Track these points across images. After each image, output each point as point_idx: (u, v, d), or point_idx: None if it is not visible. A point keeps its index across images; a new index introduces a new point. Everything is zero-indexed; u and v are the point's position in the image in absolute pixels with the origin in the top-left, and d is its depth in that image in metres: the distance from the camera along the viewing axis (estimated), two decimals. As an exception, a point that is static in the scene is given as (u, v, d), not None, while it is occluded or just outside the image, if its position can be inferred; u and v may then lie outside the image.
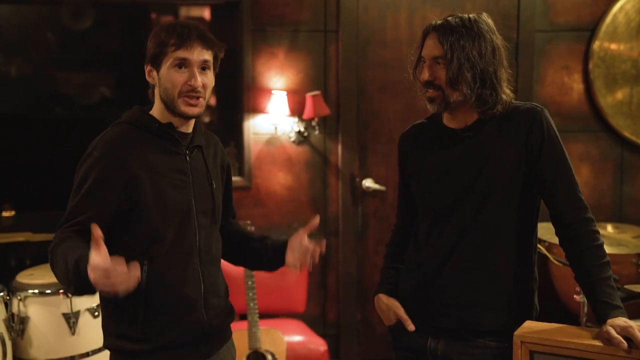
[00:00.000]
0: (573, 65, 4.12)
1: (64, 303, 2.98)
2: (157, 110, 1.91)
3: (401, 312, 2.03)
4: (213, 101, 4.33)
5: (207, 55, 1.86)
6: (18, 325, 2.98)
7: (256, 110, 3.97)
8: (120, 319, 1.83)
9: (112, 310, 1.88)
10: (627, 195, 4.19)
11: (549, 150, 1.88)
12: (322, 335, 3.88)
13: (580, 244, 1.84)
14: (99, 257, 1.55)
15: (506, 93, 1.93)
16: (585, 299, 1.98)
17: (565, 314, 3.39)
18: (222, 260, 2.10)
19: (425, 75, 1.92)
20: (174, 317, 1.85)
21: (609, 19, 4.02)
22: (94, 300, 3.00)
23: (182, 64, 1.83)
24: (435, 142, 2.02)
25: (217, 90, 4.32)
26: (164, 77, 1.85)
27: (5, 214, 3.87)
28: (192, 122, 1.95)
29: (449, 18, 1.91)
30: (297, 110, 3.97)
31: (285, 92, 3.92)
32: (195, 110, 1.86)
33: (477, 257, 1.92)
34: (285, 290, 3.86)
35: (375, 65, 4.03)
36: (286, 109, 3.91)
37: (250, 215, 3.97)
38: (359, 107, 4.04)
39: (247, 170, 4.00)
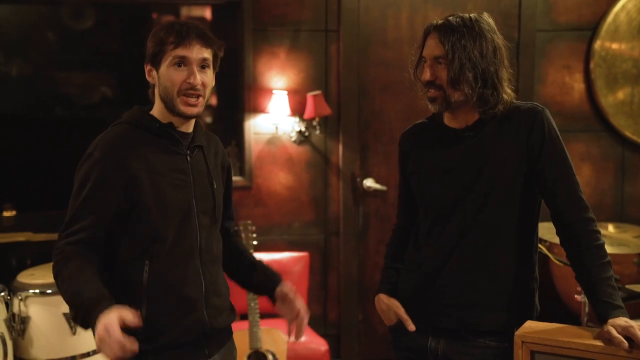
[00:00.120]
0: (574, 65, 4.11)
1: (64, 303, 2.97)
2: (157, 110, 1.91)
3: (401, 312, 2.03)
4: (214, 101, 4.33)
5: (207, 54, 1.86)
6: (19, 325, 2.98)
7: (257, 110, 3.97)
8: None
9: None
10: (628, 195, 4.19)
11: (549, 150, 1.88)
12: (323, 335, 3.88)
13: (581, 244, 1.84)
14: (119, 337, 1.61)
15: (507, 93, 1.93)
16: (586, 299, 1.97)
17: (567, 314, 3.39)
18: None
19: (427, 75, 1.91)
20: (175, 317, 1.85)
21: (610, 18, 4.01)
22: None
23: (181, 62, 1.83)
24: (436, 141, 2.01)
25: (218, 89, 4.36)
26: (163, 75, 1.85)
27: (6, 213, 3.87)
28: (193, 121, 1.95)
29: (450, 18, 1.91)
30: (298, 110, 3.97)
31: (286, 92, 3.92)
32: (194, 110, 1.86)
33: (477, 256, 1.92)
34: (286, 290, 3.85)
35: (376, 64, 4.03)
36: (287, 109, 3.91)
37: (251, 215, 3.97)
38: (360, 106, 4.04)
39: (247, 170, 4.00)
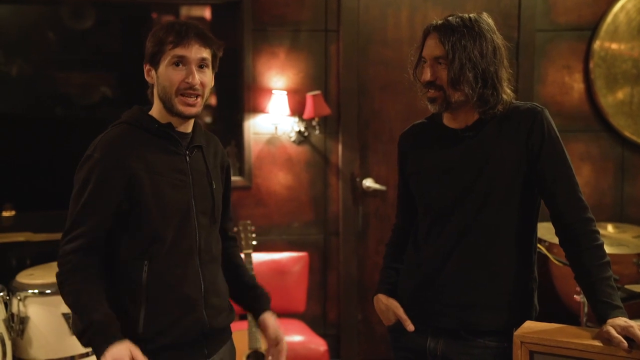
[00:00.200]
0: (574, 65, 4.11)
1: (63, 303, 2.97)
2: (156, 111, 1.91)
3: (400, 312, 2.02)
4: (214, 101, 4.33)
5: (205, 54, 1.85)
6: (18, 325, 2.97)
7: (257, 110, 3.97)
8: (121, 319, 1.82)
9: (113, 310, 1.88)
10: (627, 195, 4.19)
11: (549, 150, 1.88)
12: (323, 335, 3.88)
13: (581, 244, 1.84)
14: None
15: (507, 93, 1.93)
16: (586, 299, 1.97)
17: (566, 314, 3.39)
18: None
19: (427, 75, 1.91)
20: (175, 317, 1.85)
21: (609, 18, 4.01)
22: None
23: (180, 61, 1.83)
24: (435, 142, 2.01)
25: (217, 90, 4.36)
26: (162, 75, 1.85)
27: (6, 213, 3.87)
28: (192, 122, 1.95)
29: (450, 18, 1.91)
30: (297, 110, 3.97)
31: (285, 92, 3.92)
32: (192, 110, 1.86)
33: (477, 257, 1.92)
34: (286, 290, 3.86)
35: (376, 64, 4.03)
36: (286, 109, 3.91)
37: (250, 215, 3.97)
38: (359, 106, 4.04)
39: (247, 170, 4.00)
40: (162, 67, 1.84)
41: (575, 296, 2.89)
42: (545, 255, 2.86)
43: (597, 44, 4.04)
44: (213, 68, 1.91)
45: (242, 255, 3.40)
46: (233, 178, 3.94)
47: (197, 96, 1.85)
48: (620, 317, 1.71)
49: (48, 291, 3.00)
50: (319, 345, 3.60)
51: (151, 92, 1.92)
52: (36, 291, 3.00)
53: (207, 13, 4.32)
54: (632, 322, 1.68)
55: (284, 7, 3.96)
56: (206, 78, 1.87)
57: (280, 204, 4.05)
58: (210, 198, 1.95)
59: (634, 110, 4.09)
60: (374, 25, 4.00)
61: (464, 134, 1.95)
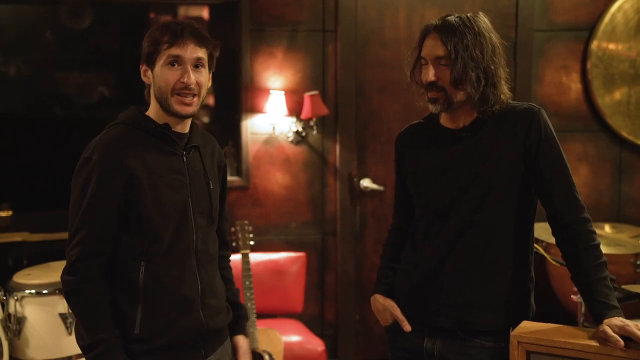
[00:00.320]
0: (571, 65, 4.12)
1: (60, 303, 2.98)
2: (153, 111, 1.91)
3: (397, 312, 2.02)
4: (211, 101, 4.34)
5: (201, 53, 1.85)
6: (15, 325, 2.97)
7: (254, 110, 3.97)
8: (119, 320, 1.83)
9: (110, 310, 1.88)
10: (625, 195, 4.19)
11: (546, 150, 1.88)
12: (320, 335, 3.88)
13: (578, 244, 1.84)
14: None
15: (504, 92, 1.93)
16: (582, 299, 1.97)
17: (563, 314, 3.39)
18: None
19: (429, 76, 1.90)
20: (172, 318, 1.85)
21: (607, 18, 4.02)
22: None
23: (175, 61, 1.83)
24: (432, 142, 2.01)
25: (215, 90, 4.36)
26: (158, 75, 1.85)
27: (3, 213, 3.87)
28: (189, 122, 1.94)
29: (449, 18, 1.91)
30: (295, 110, 3.97)
31: (283, 92, 3.92)
32: (189, 110, 1.86)
33: (474, 257, 1.92)
34: (283, 290, 3.86)
35: (374, 64, 4.03)
36: (284, 109, 3.91)
37: (248, 215, 3.97)
38: (357, 106, 4.04)
39: (245, 170, 4.00)
40: (158, 67, 1.84)
41: (572, 296, 2.89)
42: (543, 256, 2.86)
43: (594, 44, 4.04)
44: (210, 68, 1.90)
45: (239, 256, 3.42)
46: (230, 178, 3.95)
47: (193, 95, 1.85)
48: (616, 317, 1.71)
49: (45, 291, 3.00)
50: (317, 345, 3.60)
51: (148, 92, 1.92)
52: (33, 291, 3.00)
53: (205, 13, 4.33)
54: (628, 322, 1.68)
55: (282, 7, 3.96)
56: (202, 78, 1.86)
57: (278, 204, 4.05)
58: (208, 198, 1.95)
59: (631, 110, 4.10)
60: (371, 26, 4.00)
61: (461, 134, 1.96)
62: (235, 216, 3.89)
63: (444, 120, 2.00)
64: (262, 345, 3.33)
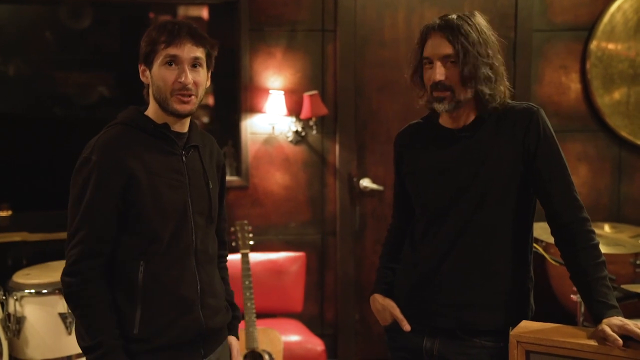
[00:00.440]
0: (571, 65, 4.12)
1: (60, 303, 2.98)
2: (151, 111, 1.91)
3: (397, 312, 2.03)
4: (211, 101, 4.34)
5: (199, 53, 1.85)
6: (14, 325, 2.97)
7: (254, 110, 3.97)
8: (118, 319, 1.82)
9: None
10: (624, 195, 4.19)
11: (545, 150, 1.88)
12: (320, 335, 3.88)
13: (577, 244, 1.84)
14: None
15: (507, 89, 1.94)
16: (581, 299, 1.97)
17: (563, 314, 3.39)
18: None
19: (437, 75, 1.88)
20: (171, 318, 1.85)
21: (606, 18, 4.02)
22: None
23: (173, 61, 1.83)
24: (431, 142, 2.01)
25: (214, 90, 4.36)
26: (156, 75, 1.85)
27: (2, 213, 3.87)
28: (188, 121, 1.94)
29: (450, 17, 1.90)
30: (294, 110, 3.97)
31: (282, 92, 3.92)
32: (187, 108, 1.85)
33: (473, 256, 1.92)
34: (283, 290, 3.86)
35: (373, 64, 4.03)
36: (284, 109, 3.91)
37: (247, 215, 3.97)
38: (356, 106, 4.04)
39: (244, 170, 4.00)
40: (156, 67, 1.84)
41: (571, 296, 2.89)
42: (542, 255, 2.86)
43: (593, 44, 4.04)
44: (208, 67, 1.90)
45: (239, 256, 3.42)
46: (230, 178, 3.95)
47: (190, 95, 1.85)
48: (616, 317, 1.71)
49: (44, 291, 3.00)
50: (316, 345, 3.60)
51: (147, 92, 1.92)
52: (32, 291, 3.00)
53: (204, 13, 4.33)
54: (627, 321, 1.68)
55: (281, 7, 3.96)
56: (200, 77, 1.86)
57: (278, 204, 4.05)
58: (207, 198, 1.95)
59: (630, 110, 4.10)
60: (371, 26, 4.00)
61: (460, 134, 1.96)
62: (234, 216, 3.89)
63: (443, 120, 2.00)
64: (262, 345, 3.33)
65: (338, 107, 4.01)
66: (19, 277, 3.10)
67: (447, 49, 1.87)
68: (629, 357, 1.64)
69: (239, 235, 3.50)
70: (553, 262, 2.89)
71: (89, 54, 4.34)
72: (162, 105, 1.86)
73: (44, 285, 3.01)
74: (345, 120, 4.02)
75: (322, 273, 4.12)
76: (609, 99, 4.09)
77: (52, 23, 4.22)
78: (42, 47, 4.26)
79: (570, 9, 4.07)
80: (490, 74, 1.87)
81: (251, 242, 3.52)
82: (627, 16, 4.02)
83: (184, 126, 1.93)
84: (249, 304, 3.32)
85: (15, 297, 2.98)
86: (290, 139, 4.01)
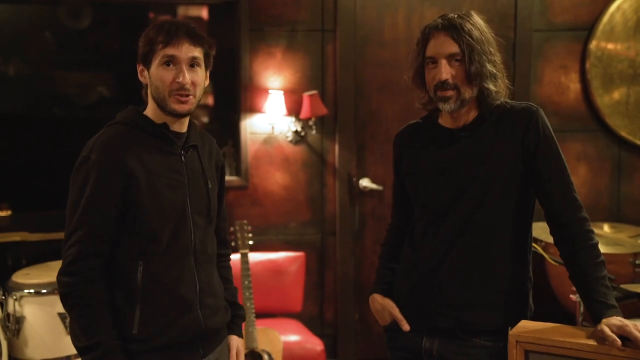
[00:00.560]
0: (570, 65, 4.12)
1: (59, 303, 2.95)
2: (150, 110, 1.91)
3: (396, 312, 2.03)
4: (210, 101, 4.34)
5: (197, 52, 1.85)
6: (14, 325, 2.97)
7: (253, 109, 3.97)
8: (117, 320, 1.82)
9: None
10: (624, 195, 4.19)
11: (544, 150, 1.89)
12: (320, 334, 3.88)
13: (576, 244, 1.84)
14: None
15: (506, 86, 1.95)
16: (581, 299, 1.97)
17: (562, 314, 3.39)
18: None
19: (443, 74, 1.88)
20: (170, 318, 1.85)
21: (606, 18, 4.02)
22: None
23: (170, 61, 1.83)
24: (430, 142, 2.01)
25: (214, 89, 4.36)
26: (154, 75, 1.85)
27: (2, 213, 3.87)
28: (187, 121, 1.94)
29: (451, 16, 1.91)
30: (294, 110, 3.97)
31: (282, 92, 3.92)
32: (185, 107, 1.85)
33: (473, 256, 1.92)
34: (282, 289, 3.86)
35: (373, 64, 4.03)
36: (283, 109, 3.91)
37: (247, 215, 3.97)
38: (356, 106, 4.04)
39: (244, 170, 4.00)
40: (154, 67, 1.84)
41: (571, 296, 2.89)
42: (541, 255, 2.87)
43: (593, 44, 4.04)
44: (206, 67, 1.90)
45: (238, 256, 3.42)
46: (229, 178, 3.95)
47: (188, 95, 1.85)
48: (615, 317, 1.71)
49: (44, 291, 3.00)
50: (316, 345, 3.60)
51: (145, 92, 1.92)
52: (32, 291, 3.00)
53: (204, 13, 4.33)
54: (627, 321, 1.68)
55: (281, 7, 3.96)
56: (198, 77, 1.86)
57: (277, 204, 4.05)
58: (206, 198, 1.95)
59: (630, 110, 4.10)
60: (370, 26, 4.00)
61: (459, 134, 1.96)
62: (234, 216, 3.89)
63: (443, 120, 2.01)
64: (262, 345, 3.33)
65: (338, 107, 4.01)
66: (19, 277, 3.10)
67: (453, 48, 1.87)
68: (628, 357, 1.64)
69: (239, 235, 3.50)
70: (552, 262, 2.89)
71: (88, 54, 4.34)
72: (161, 105, 1.86)
73: (44, 285, 3.00)
74: (344, 120, 4.02)
75: (321, 273, 4.12)
76: (608, 99, 4.09)
77: (51, 23, 4.22)
78: (41, 47, 4.26)
79: (570, 9, 4.07)
80: (494, 70, 1.88)
81: (251, 242, 3.52)
82: (626, 16, 4.02)
83: (182, 126, 1.93)
84: (248, 304, 3.32)
85: (14, 297, 2.98)
86: (289, 138, 4.01)
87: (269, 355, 3.31)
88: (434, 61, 1.91)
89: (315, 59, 4.00)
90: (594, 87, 4.07)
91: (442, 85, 1.89)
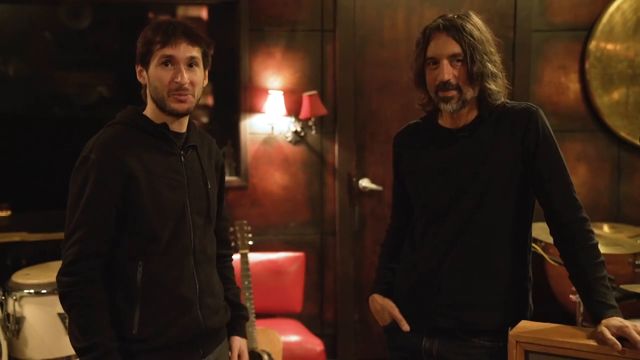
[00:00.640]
0: (570, 65, 4.12)
1: (59, 303, 2.95)
2: (149, 111, 1.91)
3: (396, 312, 2.03)
4: (210, 101, 4.34)
5: (195, 52, 1.85)
6: (13, 325, 2.97)
7: (253, 110, 3.97)
8: (116, 320, 1.82)
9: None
10: (624, 195, 4.19)
11: (544, 150, 1.89)
12: (320, 335, 3.88)
13: (576, 244, 1.84)
14: None
15: (504, 87, 1.95)
16: (580, 299, 1.98)
17: (562, 314, 3.39)
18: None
19: (446, 75, 1.87)
20: (170, 318, 1.85)
21: (605, 18, 4.02)
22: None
23: (168, 61, 1.83)
24: (430, 142, 2.01)
25: (214, 90, 4.36)
26: (152, 75, 1.85)
27: (2, 213, 3.87)
28: (186, 121, 1.94)
29: (451, 16, 1.91)
30: (294, 110, 3.97)
31: (282, 92, 3.92)
32: (184, 107, 1.85)
33: (473, 256, 1.92)
34: (282, 290, 3.86)
35: (372, 64, 4.03)
36: (283, 109, 3.91)
37: (247, 215, 3.97)
38: (356, 106, 4.04)
39: (243, 170, 4.00)
40: (152, 67, 1.84)
41: (571, 296, 2.89)
42: (541, 255, 2.87)
43: (592, 44, 4.04)
44: (204, 66, 1.90)
45: (238, 256, 3.42)
46: (229, 178, 3.95)
47: (187, 94, 1.85)
48: (615, 317, 1.71)
49: (44, 291, 3.00)
50: (316, 345, 3.60)
51: (144, 92, 1.92)
52: (32, 291, 3.00)
53: (204, 13, 4.33)
54: (627, 322, 1.68)
55: (281, 7, 3.96)
56: (196, 77, 1.86)
57: (277, 204, 4.05)
58: (205, 198, 1.95)
59: (629, 110, 4.10)
60: (370, 26, 4.01)
61: (459, 134, 1.96)
62: (234, 216, 3.89)
63: (443, 120, 2.01)
64: (261, 345, 3.33)
65: (337, 107, 4.01)
66: (18, 277, 3.10)
67: (455, 48, 1.87)
68: (628, 358, 1.64)
69: (238, 235, 3.50)
70: (552, 262, 2.89)
71: (88, 54, 4.34)
72: (160, 105, 1.86)
73: (44, 286, 3.00)
74: (344, 120, 4.02)
75: (321, 273, 4.12)
76: (608, 99, 4.09)
77: (51, 23, 4.22)
78: (41, 47, 4.26)
79: (570, 9, 4.08)
80: (495, 70, 1.89)
81: (250, 242, 3.52)
82: (626, 16, 4.02)
83: (182, 126, 1.93)
84: (248, 304, 3.32)
85: (14, 297, 2.98)
86: (289, 139, 4.01)
87: (269, 355, 3.31)
88: (436, 62, 1.91)
89: (314, 59, 4.00)
90: (593, 87, 4.07)
91: (444, 85, 1.88)
